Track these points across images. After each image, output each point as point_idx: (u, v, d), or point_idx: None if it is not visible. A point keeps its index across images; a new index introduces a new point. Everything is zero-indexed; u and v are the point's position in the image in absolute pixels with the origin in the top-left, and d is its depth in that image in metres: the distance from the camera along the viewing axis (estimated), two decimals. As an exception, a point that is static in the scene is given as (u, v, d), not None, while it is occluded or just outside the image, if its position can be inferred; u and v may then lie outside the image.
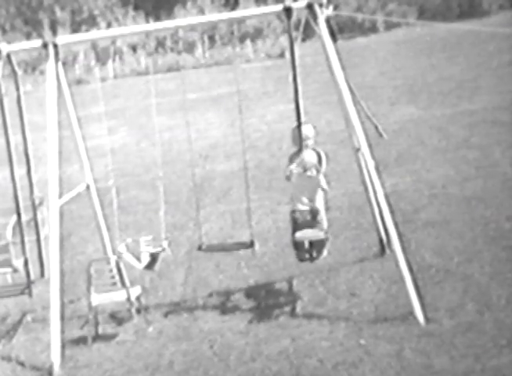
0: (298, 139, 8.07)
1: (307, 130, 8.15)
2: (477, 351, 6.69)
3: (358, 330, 7.34)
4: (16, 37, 29.38)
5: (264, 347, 7.30)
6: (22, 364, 7.77)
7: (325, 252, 8.06)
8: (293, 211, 8.09)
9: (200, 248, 8.59)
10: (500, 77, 17.49)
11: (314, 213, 7.97)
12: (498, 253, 8.63)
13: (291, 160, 8.23)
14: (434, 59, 21.40)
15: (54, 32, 31.45)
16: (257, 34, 29.92)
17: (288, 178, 8.13)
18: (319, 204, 8.03)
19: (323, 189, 8.05)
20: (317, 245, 8.00)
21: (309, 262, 8.18)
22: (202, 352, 7.44)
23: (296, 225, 8.03)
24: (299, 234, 7.99)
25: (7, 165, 8.22)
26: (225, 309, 8.36)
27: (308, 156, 8.07)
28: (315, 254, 8.04)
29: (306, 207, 8.00)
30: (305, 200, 8.02)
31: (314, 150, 8.14)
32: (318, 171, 7.99)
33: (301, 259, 8.18)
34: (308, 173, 7.99)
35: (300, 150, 8.06)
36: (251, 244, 8.35)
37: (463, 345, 6.82)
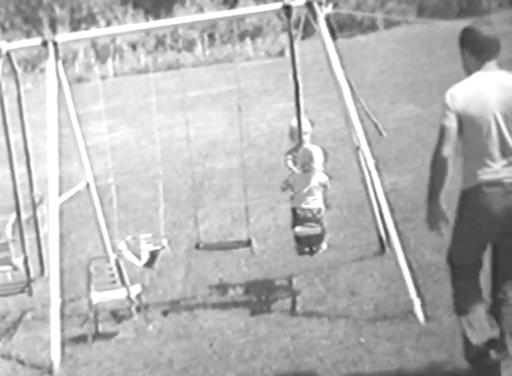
0: (296, 135, 8.10)
1: (303, 125, 8.16)
2: (476, 349, 6.68)
3: (357, 329, 7.34)
4: (15, 36, 29.44)
5: (264, 345, 7.29)
6: (22, 362, 7.75)
7: (324, 246, 8.07)
8: (294, 209, 8.09)
9: (197, 247, 8.61)
10: (500, 76, 17.44)
11: (316, 212, 7.97)
12: (498, 251, 8.61)
13: (289, 154, 8.34)
14: (434, 57, 21.36)
15: (53, 30, 31.45)
16: (256, 33, 29.92)
17: (285, 189, 8.18)
18: (320, 201, 8.03)
19: (325, 186, 8.05)
20: (315, 239, 8.01)
21: (309, 255, 8.19)
22: (202, 350, 7.43)
23: (296, 220, 8.04)
24: (298, 229, 8.00)
25: (7, 163, 8.22)
26: (224, 307, 8.35)
27: (306, 152, 8.07)
28: (314, 248, 8.06)
29: (309, 206, 7.99)
30: (310, 199, 8.00)
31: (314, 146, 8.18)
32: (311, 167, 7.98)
33: (301, 252, 8.20)
34: (306, 167, 7.99)
35: (298, 146, 8.09)
36: (249, 243, 8.36)
37: (462, 343, 6.81)
